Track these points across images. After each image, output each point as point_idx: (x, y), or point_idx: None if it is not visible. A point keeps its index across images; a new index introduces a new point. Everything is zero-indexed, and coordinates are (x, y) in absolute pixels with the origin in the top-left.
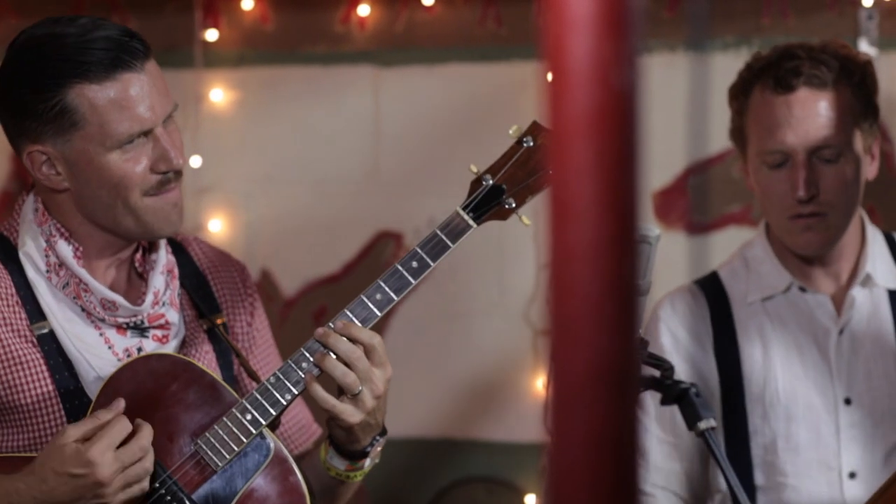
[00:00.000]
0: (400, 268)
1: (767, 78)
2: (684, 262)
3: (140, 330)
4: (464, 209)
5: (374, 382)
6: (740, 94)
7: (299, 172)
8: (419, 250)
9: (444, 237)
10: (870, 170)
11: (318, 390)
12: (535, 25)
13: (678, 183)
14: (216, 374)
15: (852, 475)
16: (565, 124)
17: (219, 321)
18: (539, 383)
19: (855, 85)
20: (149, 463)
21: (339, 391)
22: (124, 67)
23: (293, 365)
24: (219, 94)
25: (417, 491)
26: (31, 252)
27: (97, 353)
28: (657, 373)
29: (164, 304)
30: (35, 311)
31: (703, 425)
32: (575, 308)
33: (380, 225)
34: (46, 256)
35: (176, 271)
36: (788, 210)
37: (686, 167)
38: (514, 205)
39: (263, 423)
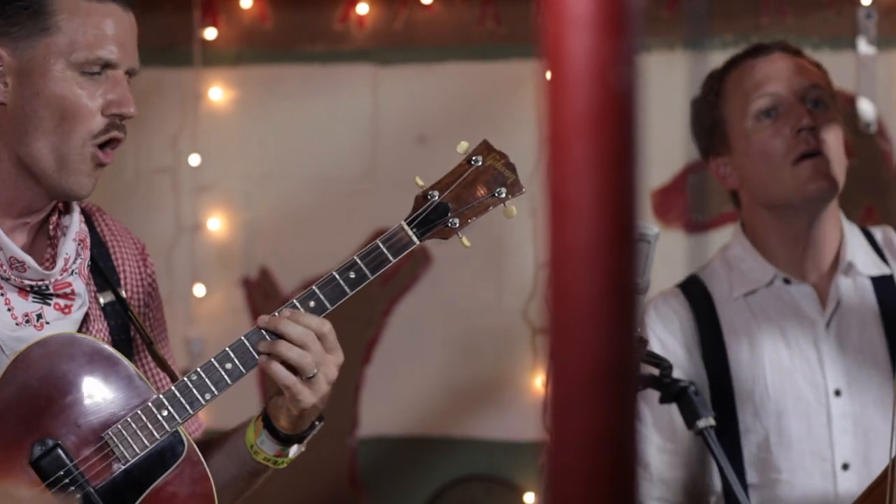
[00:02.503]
0: (337, 276)
1: (740, 58)
2: (683, 261)
3: (43, 296)
4: (409, 224)
5: (328, 366)
6: (710, 90)
7: (298, 170)
8: (358, 261)
9: (385, 250)
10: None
11: (280, 369)
12: (534, 24)
13: (677, 181)
14: (133, 366)
15: (845, 466)
16: (564, 123)
17: (119, 296)
18: (538, 381)
19: (821, 68)
20: None
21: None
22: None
23: (216, 364)
24: (217, 93)
25: (416, 489)
26: None
27: None
28: (656, 371)
29: (73, 272)
30: None
31: (702, 423)
32: (574, 306)
33: (378, 223)
34: None
35: (88, 241)
36: (791, 154)
37: (685, 166)
38: (457, 224)
39: (179, 420)
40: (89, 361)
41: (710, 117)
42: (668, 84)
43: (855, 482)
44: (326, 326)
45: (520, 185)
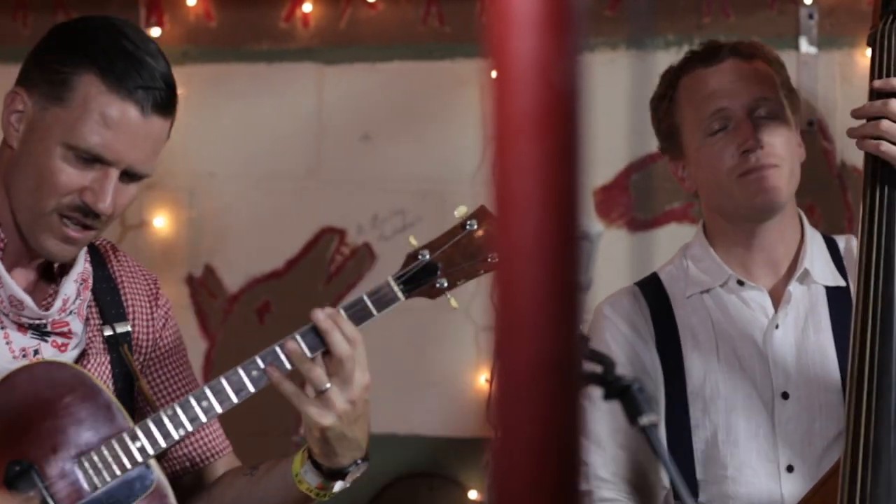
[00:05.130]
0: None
1: (693, 62)
2: (626, 259)
3: (41, 333)
4: (395, 280)
5: (352, 384)
6: (666, 94)
7: (243, 169)
8: (343, 312)
9: (369, 304)
10: (798, 152)
11: (288, 386)
12: (478, 24)
13: (620, 180)
14: (113, 396)
15: (789, 468)
16: (508, 122)
17: (122, 330)
18: (481, 379)
19: (772, 62)
20: None
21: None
22: (137, 101)
23: (193, 401)
24: None
25: (360, 486)
26: None
27: None
28: (599, 368)
29: (71, 312)
30: None
31: (644, 420)
32: (519, 304)
33: (323, 221)
34: None
35: (90, 282)
36: (737, 169)
37: (627, 164)
38: (445, 285)
39: (151, 453)
40: (71, 389)
41: (666, 122)
42: (611, 83)
43: (799, 484)
44: (359, 338)
45: None
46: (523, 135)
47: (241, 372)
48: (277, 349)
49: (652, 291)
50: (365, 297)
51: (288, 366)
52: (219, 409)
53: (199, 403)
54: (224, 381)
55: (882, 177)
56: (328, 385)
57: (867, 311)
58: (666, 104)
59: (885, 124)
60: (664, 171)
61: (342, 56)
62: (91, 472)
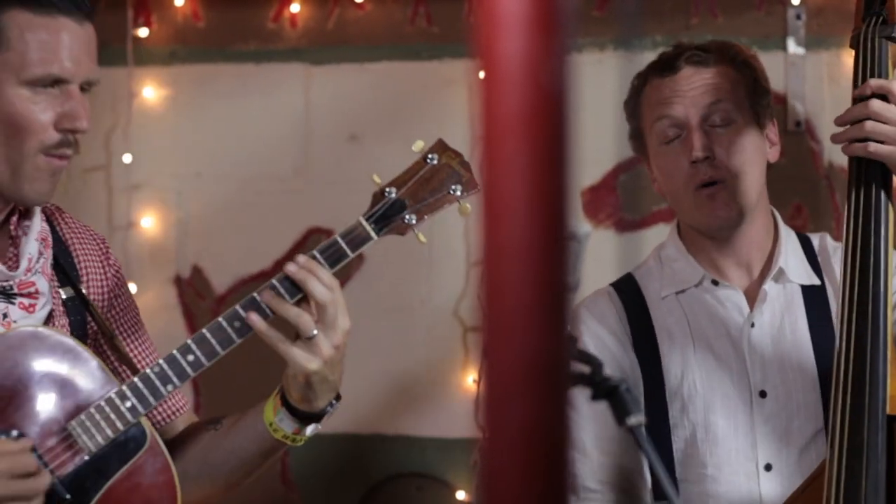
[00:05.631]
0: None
1: (653, 70)
2: (614, 260)
3: (8, 296)
4: (366, 219)
5: (335, 329)
6: (633, 96)
7: (230, 169)
8: (317, 255)
9: (344, 245)
10: (770, 153)
11: (272, 333)
12: (466, 24)
13: (607, 180)
14: (95, 356)
15: (768, 467)
16: (497, 122)
17: (77, 292)
18: (469, 379)
19: (738, 64)
20: (40, 484)
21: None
22: (66, 13)
23: (179, 357)
24: (150, 92)
25: (349, 487)
26: None
27: None
28: (587, 369)
29: (36, 271)
30: None
31: (632, 421)
32: (506, 304)
33: (310, 222)
34: None
35: (50, 240)
36: (691, 181)
37: (615, 165)
38: (413, 221)
39: (142, 411)
40: (52, 354)
41: (632, 125)
42: (599, 83)
43: (778, 483)
44: (336, 284)
45: (475, 183)
46: (511, 135)
47: (224, 323)
48: (257, 297)
49: (628, 292)
50: (339, 239)
51: (269, 314)
52: (206, 362)
53: (184, 358)
54: (207, 334)
55: (866, 177)
56: (315, 332)
57: (853, 311)
58: (631, 107)
59: (870, 124)
60: None
61: (330, 56)
62: (84, 436)
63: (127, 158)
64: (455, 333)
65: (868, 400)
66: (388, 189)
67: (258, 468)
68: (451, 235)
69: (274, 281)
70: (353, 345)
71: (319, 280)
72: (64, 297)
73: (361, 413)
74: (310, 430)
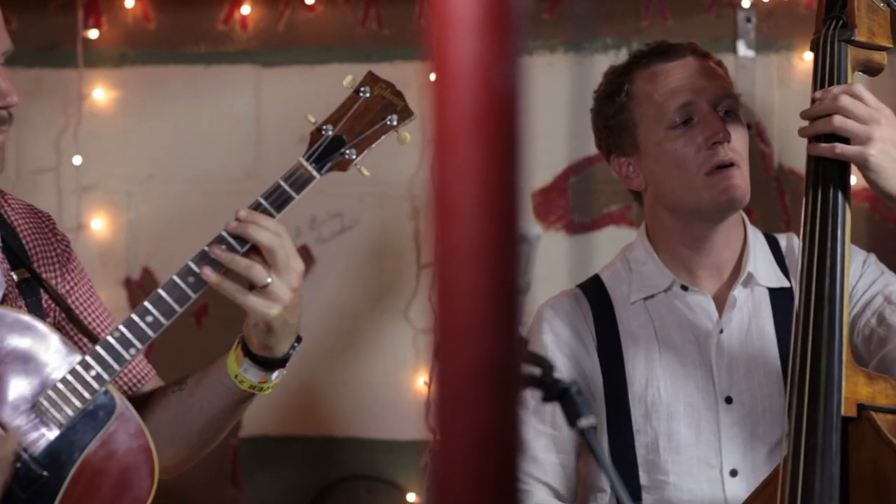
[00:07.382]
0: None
1: (651, 58)
2: (565, 262)
3: None
4: (307, 159)
5: (290, 272)
6: (621, 88)
7: (181, 171)
8: (262, 201)
9: (287, 188)
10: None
11: (228, 284)
12: (418, 26)
13: (558, 182)
14: (54, 329)
15: (733, 473)
16: (448, 124)
17: (29, 274)
18: (420, 381)
19: (723, 67)
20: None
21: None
22: None
23: (137, 319)
24: (100, 93)
25: (298, 489)
26: None
27: None
28: (538, 371)
29: None
30: None
31: (583, 423)
32: (457, 306)
33: None
34: None
35: None
36: (705, 165)
37: (566, 167)
38: (354, 155)
39: (108, 378)
40: (12, 331)
41: (617, 118)
42: (550, 86)
43: (744, 488)
44: (282, 229)
45: (409, 111)
46: (463, 137)
47: (178, 280)
48: (207, 250)
49: (594, 295)
50: (281, 182)
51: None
52: (164, 321)
53: (143, 319)
54: (163, 293)
55: (824, 177)
56: (269, 279)
57: (809, 312)
58: (620, 99)
59: (839, 119)
60: (603, 173)
61: (280, 58)
62: (52, 410)
63: (77, 160)
64: (406, 335)
65: (823, 401)
66: (324, 127)
67: (229, 423)
68: (402, 236)
69: (222, 233)
70: (303, 346)
71: (264, 227)
72: (17, 279)
73: (311, 415)
74: (275, 375)
